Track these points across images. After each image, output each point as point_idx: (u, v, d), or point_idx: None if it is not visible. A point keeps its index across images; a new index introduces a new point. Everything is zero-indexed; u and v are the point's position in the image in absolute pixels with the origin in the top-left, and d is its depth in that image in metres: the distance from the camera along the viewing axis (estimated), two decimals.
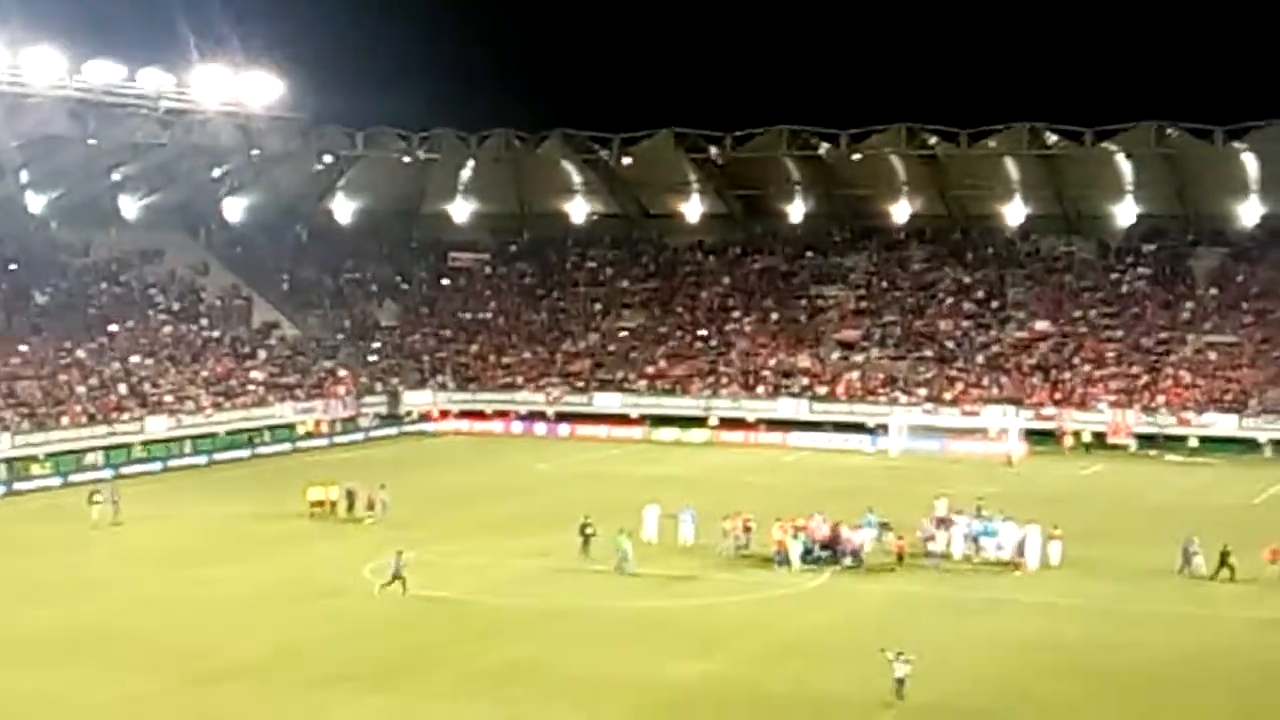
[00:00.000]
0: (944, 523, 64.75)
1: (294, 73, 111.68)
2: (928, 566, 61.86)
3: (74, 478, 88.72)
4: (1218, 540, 60.78)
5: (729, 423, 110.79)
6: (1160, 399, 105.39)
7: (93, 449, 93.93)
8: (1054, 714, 42.78)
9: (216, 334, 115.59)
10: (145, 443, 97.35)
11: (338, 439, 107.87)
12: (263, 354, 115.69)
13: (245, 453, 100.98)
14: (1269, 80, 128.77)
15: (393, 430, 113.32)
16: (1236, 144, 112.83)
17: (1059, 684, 45.56)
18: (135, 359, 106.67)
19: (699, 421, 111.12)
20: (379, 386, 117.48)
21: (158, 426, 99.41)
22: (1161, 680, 45.98)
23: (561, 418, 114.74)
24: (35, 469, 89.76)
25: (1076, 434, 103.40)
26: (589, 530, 63.04)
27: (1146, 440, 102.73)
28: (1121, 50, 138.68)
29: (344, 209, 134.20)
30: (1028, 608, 55.60)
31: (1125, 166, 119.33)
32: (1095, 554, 63.74)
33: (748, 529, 64.71)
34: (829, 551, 62.38)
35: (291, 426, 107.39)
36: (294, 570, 62.23)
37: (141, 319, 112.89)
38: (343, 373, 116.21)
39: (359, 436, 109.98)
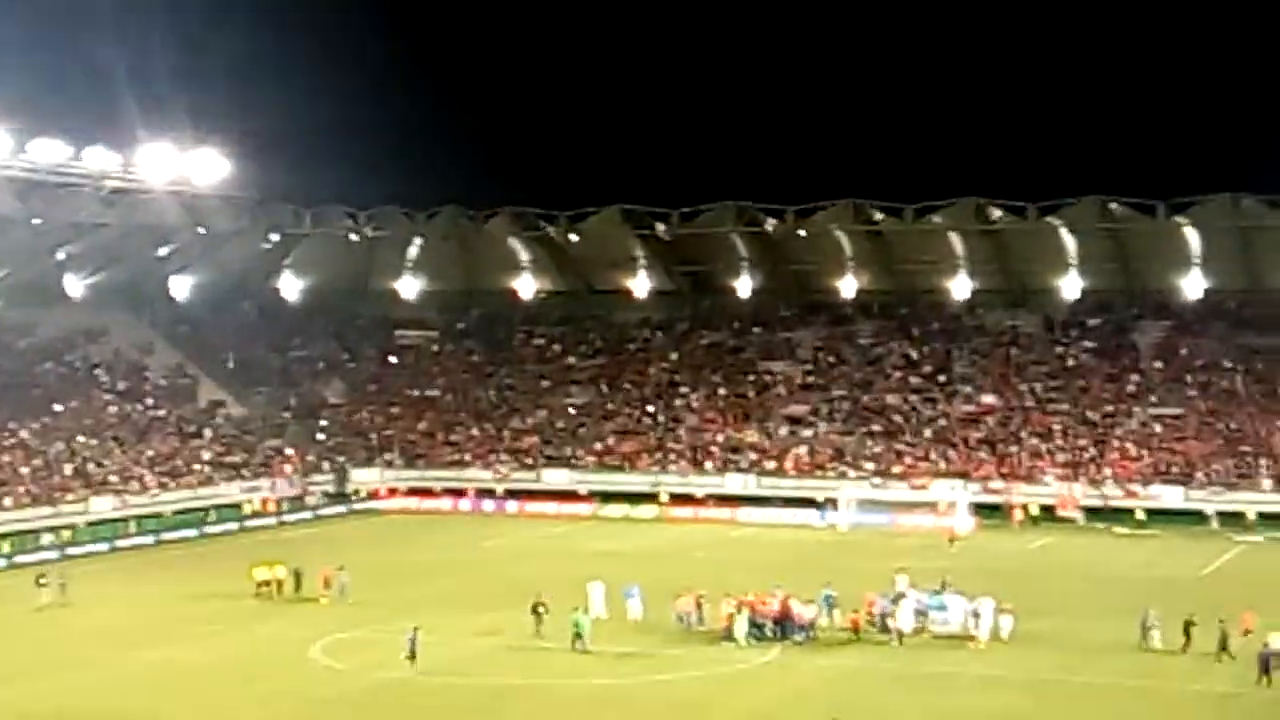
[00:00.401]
0: (901, 598, 64.47)
1: (241, 151, 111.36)
2: (886, 641, 61.44)
3: (20, 559, 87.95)
4: (1175, 612, 60.87)
5: (677, 499, 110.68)
6: (1107, 472, 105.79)
7: (38, 530, 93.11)
8: None
9: (162, 413, 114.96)
10: (91, 523, 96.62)
11: (286, 518, 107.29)
12: (209, 433, 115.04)
13: (193, 532, 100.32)
14: (1209, 155, 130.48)
15: (341, 509, 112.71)
16: (1178, 218, 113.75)
17: None
18: (80, 439, 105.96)
19: (647, 498, 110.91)
20: (326, 465, 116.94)
21: (103, 506, 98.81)
22: None
23: (510, 495, 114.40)
24: None
25: (1025, 507, 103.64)
26: (541, 609, 62.63)
27: (1094, 513, 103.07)
28: (1065, 125, 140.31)
29: (291, 286, 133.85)
30: (978, 681, 55.48)
31: (1069, 241, 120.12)
32: (1045, 627, 63.68)
33: (699, 605, 64.47)
34: (780, 627, 62.09)
35: (238, 506, 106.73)
36: (240, 650, 61.64)
37: (86, 398, 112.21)
38: (289, 451, 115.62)
39: (307, 515, 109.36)
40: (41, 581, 73.25)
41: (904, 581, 67.18)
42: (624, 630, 63.11)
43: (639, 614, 65.24)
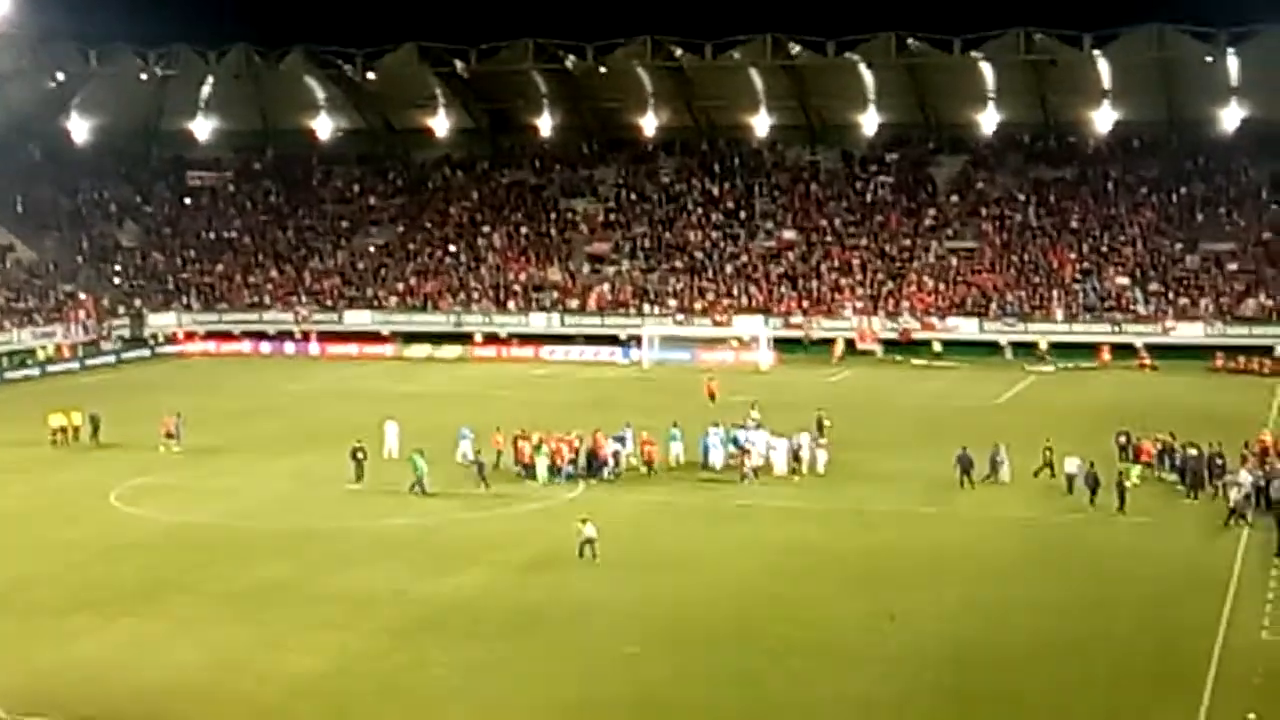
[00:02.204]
0: (757, 428, 65.05)
1: None
2: (744, 477, 61.37)
3: None
4: (974, 440, 62.16)
5: (477, 339, 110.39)
6: (904, 305, 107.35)
7: None
8: (804, 614, 43.28)
9: None
10: None
11: (82, 364, 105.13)
12: None
13: (11, 375, 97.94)
14: None
15: (138, 353, 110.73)
16: (974, 53, 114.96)
17: (809, 584, 46.23)
18: None
19: (451, 338, 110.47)
20: (121, 309, 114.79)
21: None
22: (905, 576, 46.89)
23: (311, 337, 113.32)
24: None
25: (849, 343, 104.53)
26: (361, 454, 61.84)
27: (892, 346, 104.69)
28: None
29: (79, 128, 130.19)
30: (778, 513, 56.30)
31: (867, 76, 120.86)
32: (850, 458, 64.52)
33: (516, 445, 63.87)
34: (590, 465, 62.14)
35: (32, 351, 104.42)
36: (35, 499, 60.52)
37: None
38: (83, 296, 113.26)
39: (104, 360, 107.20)
40: None
41: (756, 415, 67.63)
42: (445, 472, 62.34)
43: (469, 455, 64.68)
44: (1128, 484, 55.64)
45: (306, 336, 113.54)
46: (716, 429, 64.99)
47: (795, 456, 62.70)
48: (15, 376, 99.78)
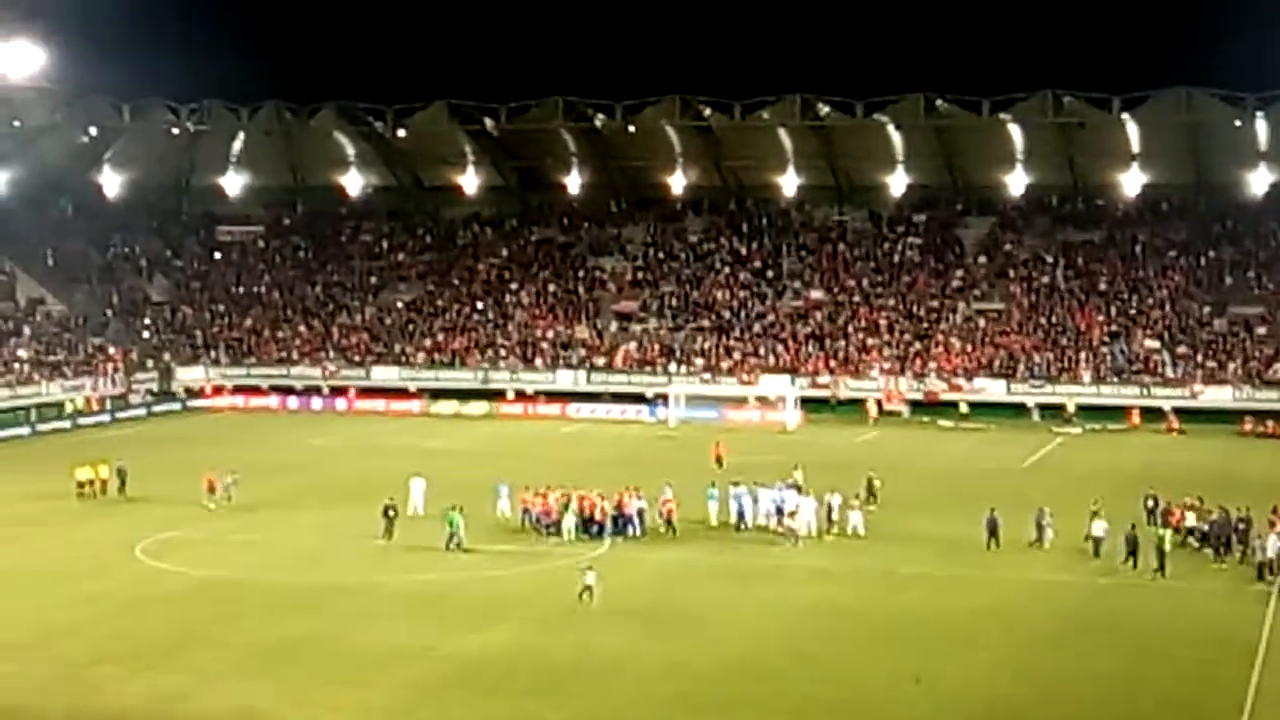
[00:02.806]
0: (799, 491, 64.38)
1: (56, 42, 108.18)
2: (782, 538, 61.05)
3: None
4: (1000, 502, 62.01)
5: (506, 395, 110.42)
6: (931, 366, 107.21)
7: None
8: (830, 674, 43.14)
9: None
10: None
11: (110, 417, 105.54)
12: (28, 331, 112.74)
13: (13, 431, 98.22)
14: (1032, 52, 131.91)
15: (166, 407, 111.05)
16: (1002, 115, 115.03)
17: (835, 645, 46.07)
18: None
19: (478, 394, 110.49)
20: (150, 363, 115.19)
21: None
22: (934, 638, 46.70)
23: (338, 392, 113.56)
24: None
25: (879, 403, 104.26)
26: (392, 511, 61.66)
27: (919, 407, 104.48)
28: (890, 23, 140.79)
29: (111, 182, 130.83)
30: (806, 573, 56.13)
31: (895, 137, 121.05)
32: (877, 519, 64.16)
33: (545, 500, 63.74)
34: (615, 523, 62.03)
35: (60, 405, 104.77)
36: (61, 551, 60.62)
37: None
38: (112, 349, 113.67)
39: (131, 414, 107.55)
40: None
41: (800, 475, 67.17)
42: (483, 528, 62.16)
43: (506, 511, 64.55)
44: (1156, 546, 55.41)
45: (334, 392, 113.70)
46: (716, 489, 65.09)
47: (829, 517, 62.39)
48: (44, 429, 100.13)
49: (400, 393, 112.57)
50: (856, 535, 61.87)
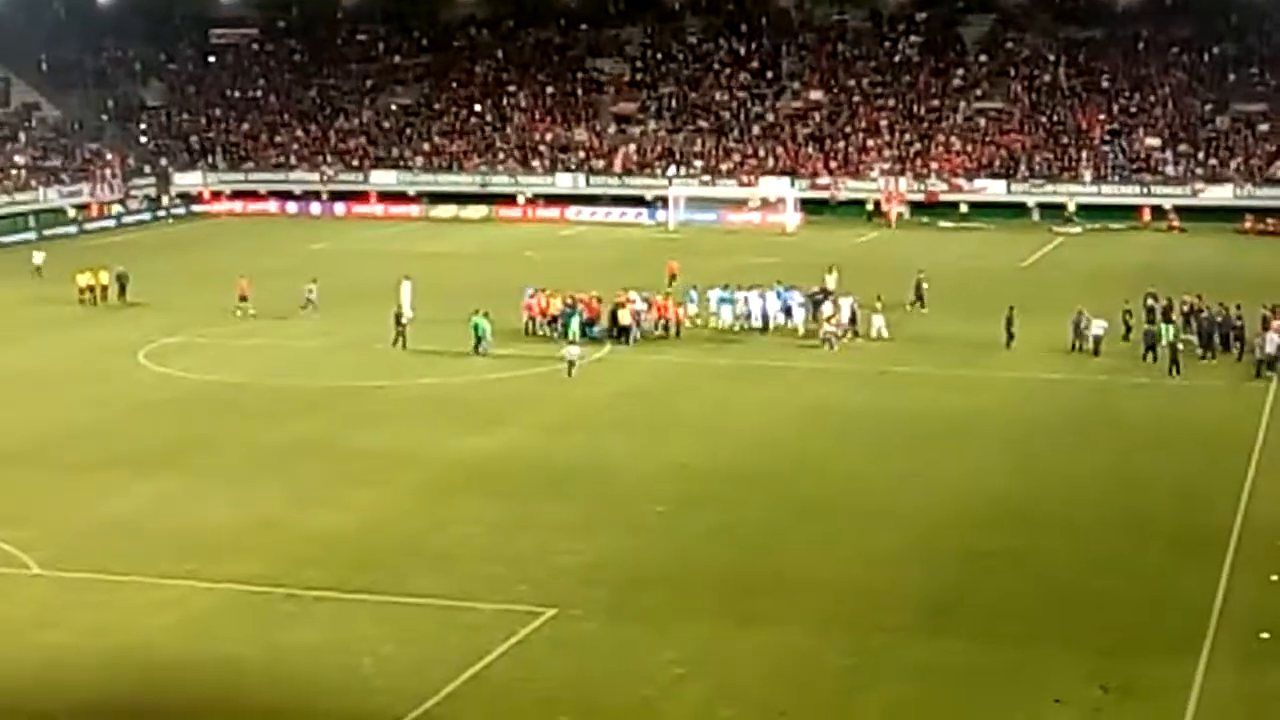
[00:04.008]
0: (828, 295, 63.95)
1: None
2: (824, 341, 60.45)
3: None
4: (998, 301, 62.18)
5: (506, 199, 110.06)
6: (932, 166, 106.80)
7: None
8: (831, 472, 43.61)
9: None
10: None
11: (108, 222, 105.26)
12: (23, 136, 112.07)
13: (10, 238, 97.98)
14: None
15: (164, 212, 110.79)
16: None
17: (836, 443, 46.49)
18: None
19: (477, 198, 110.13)
20: (147, 168, 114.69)
21: None
22: (936, 435, 47.16)
23: (337, 197, 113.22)
24: None
25: (889, 203, 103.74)
26: (404, 318, 61.48)
27: (919, 207, 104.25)
28: None
29: None
30: (805, 374, 56.47)
31: None
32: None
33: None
34: (614, 325, 62.15)
35: (58, 210, 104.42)
36: (63, 357, 60.90)
37: None
38: (109, 155, 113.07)
39: (129, 219, 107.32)
40: None
41: (833, 280, 66.84)
42: (461, 332, 62.32)
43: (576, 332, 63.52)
44: (1165, 344, 55.89)
45: (333, 196, 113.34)
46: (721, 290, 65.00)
47: (851, 319, 61.89)
48: (38, 237, 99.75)
49: (399, 197, 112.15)
50: (881, 338, 61.46)
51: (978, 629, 32.16)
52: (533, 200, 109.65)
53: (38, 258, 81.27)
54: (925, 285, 68.28)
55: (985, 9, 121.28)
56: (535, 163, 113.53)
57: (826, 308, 62.20)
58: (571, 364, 53.44)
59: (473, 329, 59.37)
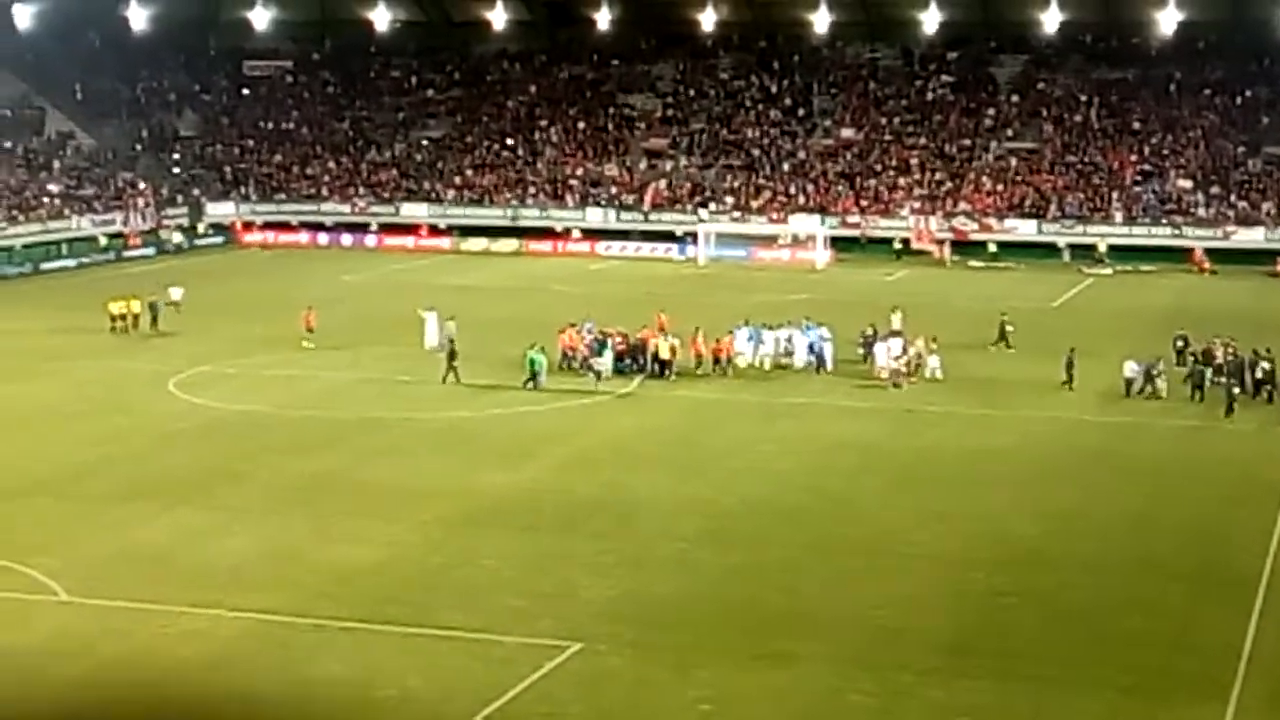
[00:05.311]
0: (897, 335, 63.11)
1: None
2: (885, 381, 60.20)
3: None
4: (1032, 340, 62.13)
5: (537, 232, 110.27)
6: (962, 205, 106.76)
7: None
8: (854, 510, 43.54)
9: (8, 144, 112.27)
10: None
11: (140, 251, 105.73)
12: (57, 165, 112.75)
13: (44, 266, 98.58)
14: None
15: (196, 242, 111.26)
16: None
17: (859, 482, 46.40)
18: None
19: (506, 231, 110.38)
20: (180, 198, 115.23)
21: None
22: (950, 475, 47.15)
23: (367, 229, 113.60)
24: None
25: (941, 243, 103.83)
26: (453, 354, 60.95)
27: (950, 246, 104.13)
28: None
29: (138, 16, 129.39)
30: (830, 411, 56.43)
31: None
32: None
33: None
34: (635, 358, 62.12)
35: (91, 239, 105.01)
36: (93, 385, 61.13)
37: None
38: (142, 184, 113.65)
39: (162, 249, 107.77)
40: None
41: (898, 319, 66.11)
42: (489, 365, 62.61)
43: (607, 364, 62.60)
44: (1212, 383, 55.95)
45: (364, 228, 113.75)
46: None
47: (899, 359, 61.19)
48: (74, 264, 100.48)
49: (430, 229, 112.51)
50: (935, 378, 60.82)
51: (1001, 669, 32.04)
52: (563, 234, 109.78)
53: (176, 294, 78.46)
54: (1010, 327, 67.67)
55: (1017, 49, 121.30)
56: (566, 197, 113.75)
57: (894, 346, 61.50)
58: (599, 374, 55.25)
59: (528, 363, 59.22)
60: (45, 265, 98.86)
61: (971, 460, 49.14)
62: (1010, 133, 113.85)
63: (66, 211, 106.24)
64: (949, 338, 64.70)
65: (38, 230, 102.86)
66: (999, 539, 40.81)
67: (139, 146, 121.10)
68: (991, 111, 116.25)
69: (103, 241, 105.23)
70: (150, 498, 44.33)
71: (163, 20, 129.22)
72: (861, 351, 63.15)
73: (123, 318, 72.95)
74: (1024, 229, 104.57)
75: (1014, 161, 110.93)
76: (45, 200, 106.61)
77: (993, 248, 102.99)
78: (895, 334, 63.67)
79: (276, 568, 38.21)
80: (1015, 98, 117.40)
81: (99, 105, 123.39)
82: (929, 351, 61.64)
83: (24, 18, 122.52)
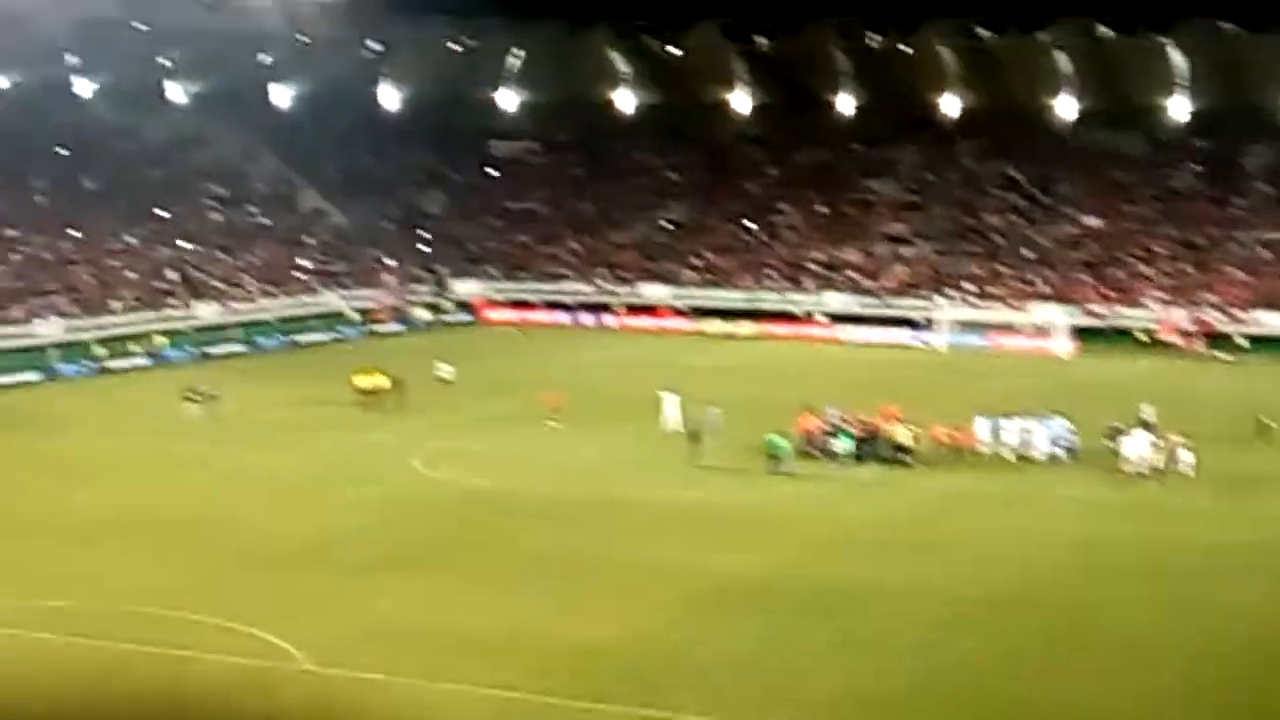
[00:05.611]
0: (1150, 428, 61.69)
1: None
2: (1131, 475, 58.70)
3: (114, 364, 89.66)
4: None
5: (775, 316, 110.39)
6: (1210, 296, 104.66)
7: (140, 335, 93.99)
8: (1099, 601, 42.84)
9: (264, 220, 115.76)
10: (195, 329, 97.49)
11: (393, 327, 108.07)
12: (310, 241, 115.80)
13: (294, 339, 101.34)
14: None
15: (441, 319, 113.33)
16: None
17: (1106, 582, 45.58)
18: (184, 245, 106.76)
19: (746, 314, 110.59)
20: (426, 275, 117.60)
21: (207, 313, 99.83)
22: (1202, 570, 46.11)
23: (608, 309, 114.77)
24: (90, 353, 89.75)
25: (1190, 335, 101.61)
26: (697, 435, 61.74)
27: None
28: None
29: (390, 97, 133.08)
30: (1073, 503, 55.60)
31: (1177, 60, 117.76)
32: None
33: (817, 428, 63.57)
34: (871, 445, 61.83)
35: (339, 314, 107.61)
36: (340, 458, 62.49)
37: (190, 205, 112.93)
38: (390, 261, 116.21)
39: (407, 325, 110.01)
40: (193, 396, 72.54)
41: (1151, 412, 64.42)
42: (731, 448, 62.54)
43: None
44: None
45: (604, 308, 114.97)
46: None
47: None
48: (324, 339, 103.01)
49: (670, 310, 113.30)
50: (1186, 475, 58.66)
51: None
52: (804, 318, 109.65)
53: (446, 370, 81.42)
54: (1274, 425, 65.56)
55: (1271, 136, 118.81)
56: (805, 281, 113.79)
57: (1142, 439, 59.87)
58: (838, 459, 57.65)
59: (768, 446, 59.25)
60: (299, 338, 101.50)
61: (1221, 554, 47.97)
62: (1261, 223, 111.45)
63: (317, 287, 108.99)
64: (1197, 430, 62.63)
65: (291, 304, 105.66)
66: (1245, 635, 39.82)
67: (387, 223, 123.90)
68: (1241, 202, 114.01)
69: (355, 317, 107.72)
70: (393, 569, 45.25)
71: (412, 101, 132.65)
72: (1108, 444, 61.93)
73: (368, 392, 74.29)
74: (1274, 322, 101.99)
75: (1265, 253, 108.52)
76: (296, 275, 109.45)
77: (1241, 340, 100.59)
78: (1146, 425, 62.34)
79: (515, 642, 38.69)
80: (1267, 187, 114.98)
81: (349, 184, 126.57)
82: (1182, 447, 59.93)
83: (282, 98, 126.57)
